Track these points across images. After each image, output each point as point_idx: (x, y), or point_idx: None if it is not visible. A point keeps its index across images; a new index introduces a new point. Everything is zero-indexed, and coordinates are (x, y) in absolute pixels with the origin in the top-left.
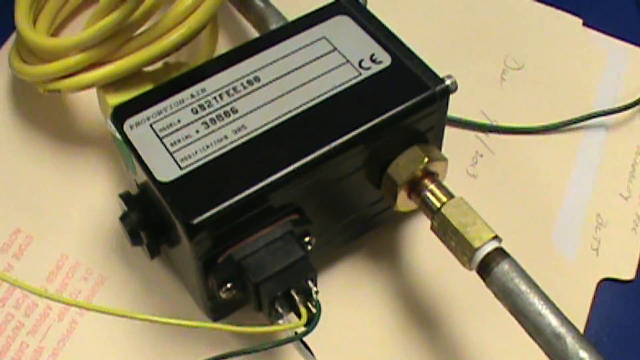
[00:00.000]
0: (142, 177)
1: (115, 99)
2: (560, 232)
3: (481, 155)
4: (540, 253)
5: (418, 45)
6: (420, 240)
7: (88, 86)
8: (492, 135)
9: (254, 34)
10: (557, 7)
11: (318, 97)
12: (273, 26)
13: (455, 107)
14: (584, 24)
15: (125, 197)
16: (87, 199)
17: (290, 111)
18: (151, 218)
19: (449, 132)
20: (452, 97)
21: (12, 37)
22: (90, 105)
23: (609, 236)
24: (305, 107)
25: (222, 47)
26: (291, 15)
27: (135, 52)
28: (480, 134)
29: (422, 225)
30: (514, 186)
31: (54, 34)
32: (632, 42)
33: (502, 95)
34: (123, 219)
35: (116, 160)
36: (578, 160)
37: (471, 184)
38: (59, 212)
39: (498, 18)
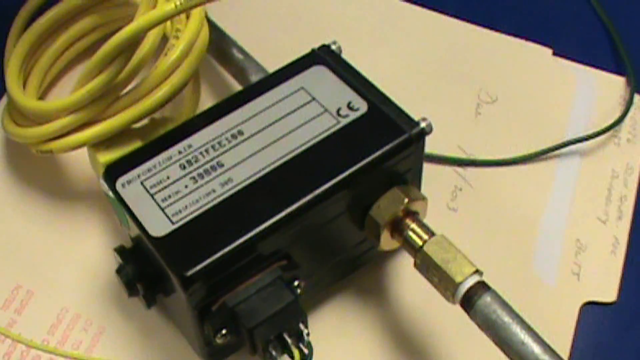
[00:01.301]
0: (135, 231)
1: (106, 156)
2: (541, 259)
3: (460, 189)
4: (521, 281)
5: (391, 84)
6: (405, 277)
7: (79, 146)
8: (470, 169)
9: (235, 84)
10: (527, 39)
11: (300, 147)
12: (253, 77)
13: (433, 144)
14: (554, 53)
15: (121, 251)
16: (83, 252)
17: (274, 162)
18: (146, 270)
19: (428, 168)
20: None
21: (4, 98)
22: (81, 161)
23: (589, 260)
24: (288, 157)
25: (205, 98)
26: (270, 64)
27: (123, 111)
28: (459, 169)
29: (406, 262)
30: (494, 217)
31: (44, 92)
32: (601, 68)
33: (478, 128)
34: (119, 271)
35: (109, 213)
36: (555, 187)
37: (452, 218)
38: (57, 266)
39: (470, 52)
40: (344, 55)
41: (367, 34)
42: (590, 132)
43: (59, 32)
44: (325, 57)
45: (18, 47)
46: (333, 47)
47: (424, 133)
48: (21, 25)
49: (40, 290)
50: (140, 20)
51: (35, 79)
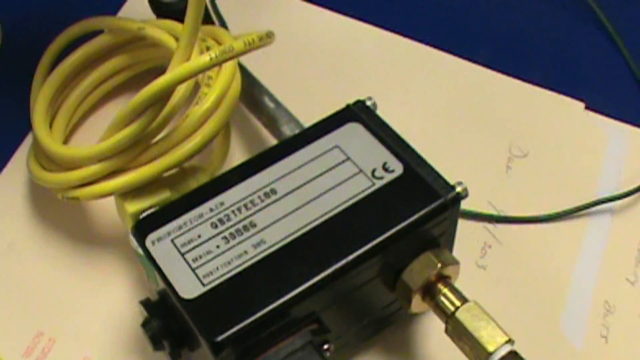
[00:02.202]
0: (163, 287)
1: (133, 205)
2: (569, 320)
3: (490, 246)
4: (548, 341)
5: (423, 135)
6: (433, 338)
7: (107, 195)
8: (500, 226)
9: (266, 133)
10: (560, 92)
11: (334, 209)
12: (284, 127)
13: (463, 200)
14: (586, 107)
15: (147, 304)
16: (107, 301)
17: (307, 224)
18: (173, 325)
19: (458, 224)
20: None
21: (29, 138)
22: (107, 207)
23: (618, 322)
24: (321, 219)
25: (234, 145)
26: (301, 113)
27: (153, 161)
28: (489, 225)
29: (434, 324)
30: (523, 275)
31: (71, 131)
32: (633, 123)
33: (509, 184)
34: (145, 325)
35: (135, 261)
36: (584, 246)
37: (481, 276)
38: (81, 314)
39: (502, 104)
40: (379, 108)
41: (398, 82)
42: (621, 189)
43: (86, 71)
44: (360, 113)
45: (45, 87)
46: (368, 102)
47: (459, 198)
48: (48, 63)
49: (62, 338)
50: (174, 72)
51: (62, 120)
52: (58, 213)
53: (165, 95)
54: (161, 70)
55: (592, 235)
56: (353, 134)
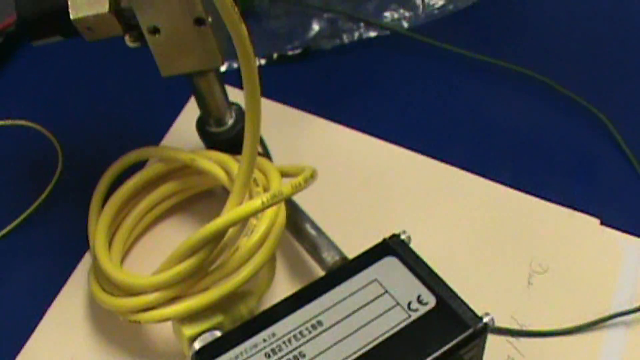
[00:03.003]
0: None
1: (191, 329)
2: None
3: None
4: None
5: (446, 252)
6: None
7: (166, 320)
8: (523, 339)
9: (308, 258)
10: (576, 208)
11: (374, 340)
12: (325, 254)
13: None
14: (602, 222)
15: None
16: None
17: (351, 355)
18: None
19: None
20: (483, 303)
21: (87, 257)
22: (165, 326)
23: None
24: (364, 350)
25: (279, 270)
26: (341, 241)
27: (208, 289)
28: (511, 339)
29: None
30: None
31: (128, 251)
32: None
33: (530, 299)
34: None
35: None
36: (602, 358)
37: None
38: None
39: (522, 221)
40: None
41: (420, 200)
42: (635, 303)
43: (140, 195)
44: (396, 247)
45: (104, 213)
46: (403, 236)
47: (486, 328)
48: (105, 188)
49: None
50: (229, 216)
51: (119, 242)
52: (118, 329)
53: (220, 235)
54: (209, 194)
55: (609, 347)
56: (390, 267)
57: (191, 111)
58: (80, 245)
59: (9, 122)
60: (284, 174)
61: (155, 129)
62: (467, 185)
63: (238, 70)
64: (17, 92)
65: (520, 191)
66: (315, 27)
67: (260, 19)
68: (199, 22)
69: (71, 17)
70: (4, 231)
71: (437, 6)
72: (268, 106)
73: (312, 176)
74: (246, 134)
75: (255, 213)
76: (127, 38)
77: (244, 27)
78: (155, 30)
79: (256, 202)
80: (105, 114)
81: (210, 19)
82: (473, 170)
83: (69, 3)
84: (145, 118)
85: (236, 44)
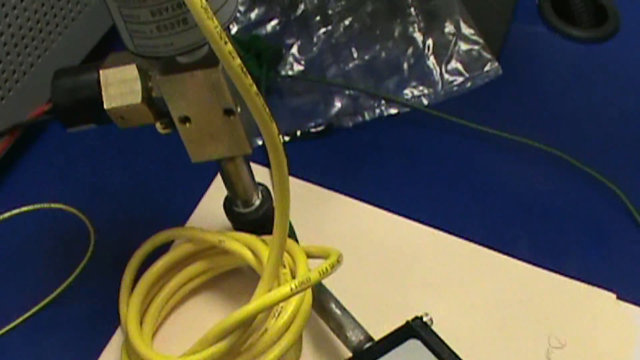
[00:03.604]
0: None
1: None
2: None
3: None
4: None
5: (469, 331)
6: None
7: None
8: None
9: (333, 336)
10: (592, 283)
11: None
12: (349, 333)
13: None
14: (618, 297)
15: None
16: None
17: None
18: None
19: None
20: None
21: (119, 332)
22: None
23: None
24: None
25: (305, 349)
26: (365, 320)
27: None
28: None
29: None
30: None
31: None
32: None
33: None
34: None
35: None
36: None
37: None
38: None
39: (539, 296)
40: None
41: (441, 277)
42: None
43: (170, 274)
44: (419, 330)
45: (135, 293)
46: (425, 318)
47: None
48: (136, 266)
49: None
50: (259, 302)
51: (150, 320)
52: None
53: (250, 320)
54: (236, 271)
55: None
56: (413, 350)
57: (217, 190)
58: (110, 321)
59: (45, 205)
60: (309, 255)
61: (182, 206)
62: (486, 261)
63: (262, 147)
64: (47, 173)
65: (537, 266)
66: (337, 104)
67: (283, 95)
68: (229, 112)
69: (105, 107)
70: (38, 307)
71: (455, 83)
72: (292, 184)
73: (339, 261)
74: (275, 229)
75: (284, 300)
76: (158, 125)
77: (274, 127)
78: (185, 120)
79: (285, 289)
80: (133, 192)
81: (239, 109)
82: (491, 243)
83: (103, 94)
84: (174, 194)
85: (267, 142)
